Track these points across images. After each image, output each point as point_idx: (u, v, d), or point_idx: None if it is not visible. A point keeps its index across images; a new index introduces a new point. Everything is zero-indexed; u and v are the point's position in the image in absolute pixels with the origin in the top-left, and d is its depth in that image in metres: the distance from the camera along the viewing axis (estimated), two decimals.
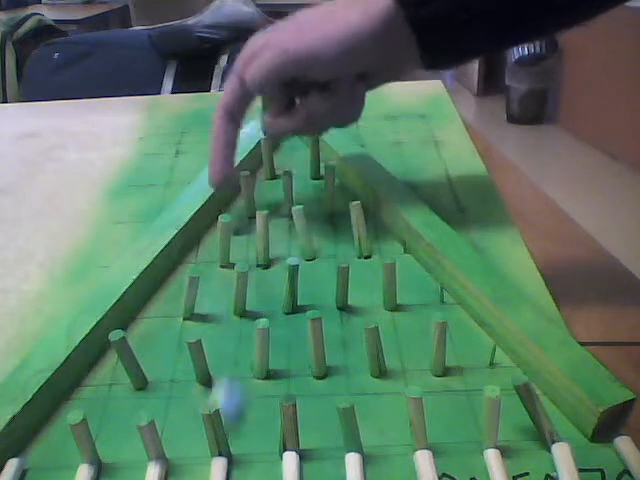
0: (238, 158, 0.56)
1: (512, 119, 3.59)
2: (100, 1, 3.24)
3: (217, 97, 0.73)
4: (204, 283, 0.43)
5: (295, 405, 0.31)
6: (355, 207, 0.47)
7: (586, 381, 0.34)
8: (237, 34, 0.76)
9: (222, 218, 0.45)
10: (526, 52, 3.35)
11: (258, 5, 0.86)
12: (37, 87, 0.78)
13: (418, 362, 0.38)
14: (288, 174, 0.51)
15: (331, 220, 0.51)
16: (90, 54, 0.76)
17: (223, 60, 0.73)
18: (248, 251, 0.48)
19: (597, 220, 1.57)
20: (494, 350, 0.38)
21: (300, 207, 0.47)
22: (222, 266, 0.46)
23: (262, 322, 0.36)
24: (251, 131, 0.60)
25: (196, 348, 0.35)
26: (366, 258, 0.47)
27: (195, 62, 0.75)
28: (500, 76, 3.65)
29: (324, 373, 0.37)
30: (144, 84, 0.75)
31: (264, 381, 0.37)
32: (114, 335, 0.35)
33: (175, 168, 0.59)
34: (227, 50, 0.76)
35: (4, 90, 0.84)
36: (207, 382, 0.37)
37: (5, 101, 0.88)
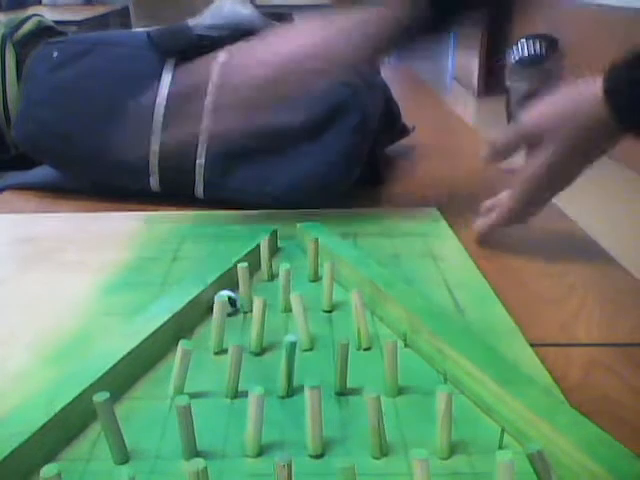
0: (236, 257, 0.56)
1: (512, 119, 3.55)
2: (100, 2, 3.19)
3: (215, 215, 0.74)
4: (196, 369, 0.41)
5: (290, 465, 0.29)
6: (356, 296, 0.46)
7: (604, 458, 0.31)
8: (236, 34, 0.76)
9: (217, 297, 0.44)
10: (526, 52, 3.33)
11: (258, 6, 0.86)
12: (36, 86, 0.76)
13: (422, 446, 0.36)
14: (286, 271, 0.50)
15: (329, 315, 0.50)
16: (89, 52, 0.75)
17: (222, 57, 0.73)
18: (242, 341, 0.46)
19: (596, 219, 1.53)
20: (502, 433, 0.36)
21: (299, 294, 0.46)
22: (216, 353, 0.45)
23: (257, 389, 0.34)
24: (251, 235, 0.60)
25: (185, 413, 0.33)
26: (365, 350, 0.46)
27: (193, 59, 0.72)
28: (500, 76, 3.58)
29: (321, 451, 0.35)
30: (143, 79, 0.74)
31: (256, 459, 0.34)
32: (99, 396, 0.33)
33: (171, 271, 0.59)
34: (224, 45, 0.75)
35: (4, 91, 0.84)
36: (193, 454, 0.34)
37: (5, 101, 0.86)
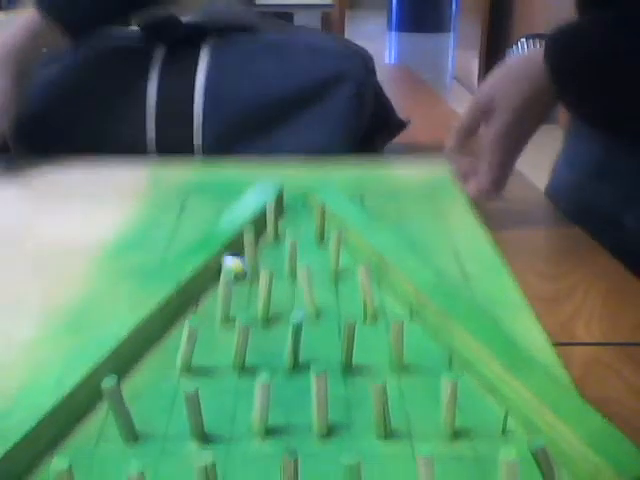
0: (243, 220, 0.55)
1: None
2: None
3: (219, 168, 0.74)
4: (202, 339, 0.41)
5: (297, 461, 0.29)
6: (363, 271, 0.46)
7: (606, 450, 0.32)
8: (227, 24, 0.77)
9: (224, 274, 0.44)
10: (525, 52, 3.32)
11: (257, 6, 0.91)
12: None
13: (426, 427, 0.36)
14: (293, 240, 0.50)
15: (336, 285, 0.50)
16: (78, 47, 0.76)
17: (212, 41, 0.74)
18: (249, 310, 0.46)
19: None
20: (506, 417, 0.36)
21: (306, 264, 0.46)
22: (222, 322, 0.45)
23: (263, 377, 0.34)
24: (257, 195, 0.59)
25: (193, 400, 0.33)
26: (371, 323, 0.46)
27: (182, 46, 0.75)
28: None
29: (327, 432, 0.35)
30: (133, 70, 0.76)
31: (263, 440, 0.35)
32: (107, 381, 0.33)
33: (178, 229, 0.59)
34: (214, 35, 0.76)
35: None
36: (202, 438, 0.35)
37: None
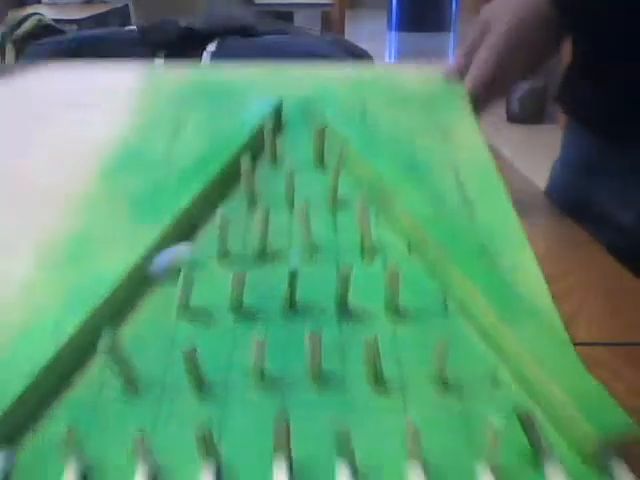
0: (240, 141, 0.54)
1: (512, 119, 3.54)
2: (100, 1, 3.12)
3: (214, 71, 0.71)
4: (199, 277, 0.41)
5: (288, 426, 0.30)
6: (361, 205, 0.45)
7: (596, 415, 0.32)
8: (227, 27, 0.77)
9: (221, 211, 0.43)
10: None
11: (257, 5, 0.93)
12: None
13: (417, 375, 0.37)
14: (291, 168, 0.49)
15: (334, 214, 0.49)
16: (79, 51, 0.77)
17: (212, 46, 0.74)
18: (246, 244, 0.46)
19: None
20: (497, 369, 0.37)
21: (303, 203, 0.45)
22: (219, 257, 0.45)
23: (259, 329, 0.35)
24: (254, 110, 0.57)
25: (191, 356, 0.34)
26: (369, 257, 0.46)
27: (183, 50, 0.77)
28: None
29: (321, 382, 0.36)
30: None
31: (257, 388, 0.36)
32: (103, 342, 0.34)
33: (173, 147, 0.57)
34: (215, 38, 0.77)
35: None
36: (201, 388, 0.36)
37: None
